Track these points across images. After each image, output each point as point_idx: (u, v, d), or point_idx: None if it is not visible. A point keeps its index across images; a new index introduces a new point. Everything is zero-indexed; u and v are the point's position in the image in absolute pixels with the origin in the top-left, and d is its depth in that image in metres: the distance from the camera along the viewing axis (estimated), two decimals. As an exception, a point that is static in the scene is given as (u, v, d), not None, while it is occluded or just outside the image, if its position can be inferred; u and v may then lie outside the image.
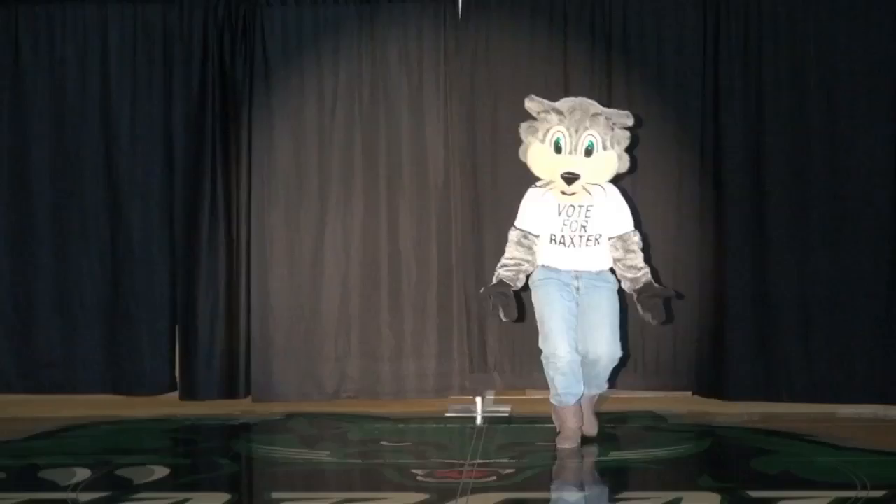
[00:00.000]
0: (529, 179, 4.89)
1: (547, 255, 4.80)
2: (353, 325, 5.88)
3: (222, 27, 5.86)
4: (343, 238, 5.88)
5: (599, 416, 5.28)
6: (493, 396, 5.79)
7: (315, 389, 5.87)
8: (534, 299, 4.83)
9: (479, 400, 5.64)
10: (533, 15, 5.80)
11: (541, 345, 4.77)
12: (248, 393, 5.90)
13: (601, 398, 5.11)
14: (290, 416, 5.54)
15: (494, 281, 4.76)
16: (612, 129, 4.72)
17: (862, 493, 4.02)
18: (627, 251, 4.75)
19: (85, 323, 5.91)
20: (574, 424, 4.81)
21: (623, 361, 5.01)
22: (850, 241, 5.62)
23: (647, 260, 4.85)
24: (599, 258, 4.80)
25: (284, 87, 5.87)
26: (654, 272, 4.83)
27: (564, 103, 4.77)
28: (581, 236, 4.75)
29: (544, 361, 4.76)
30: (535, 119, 4.78)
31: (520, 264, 4.77)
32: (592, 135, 4.67)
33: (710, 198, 5.73)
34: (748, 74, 5.68)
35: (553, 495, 4.36)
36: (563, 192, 4.71)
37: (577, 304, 4.78)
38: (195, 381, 5.86)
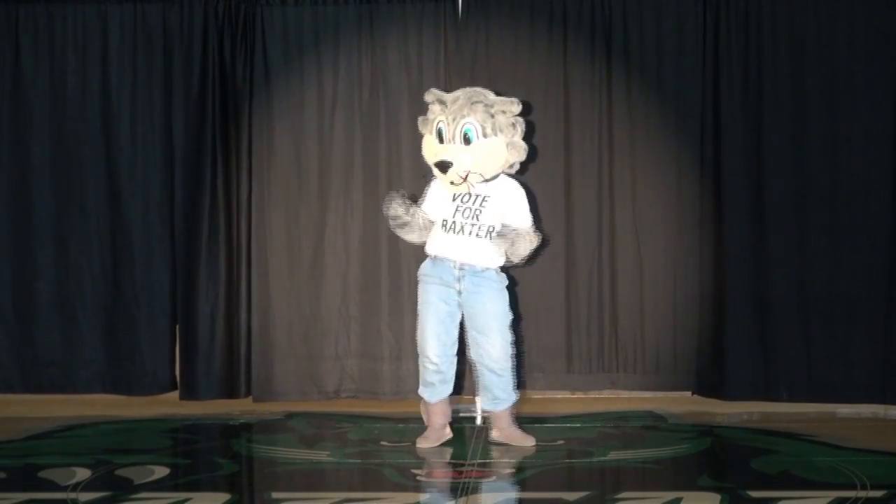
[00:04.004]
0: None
1: (436, 242, 4.83)
2: (353, 325, 5.88)
3: (222, 27, 5.86)
4: (343, 238, 5.89)
5: (600, 415, 5.31)
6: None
7: (315, 389, 5.88)
8: (418, 293, 4.92)
9: (479, 400, 5.63)
10: (533, 15, 5.80)
11: (417, 339, 4.89)
12: (248, 393, 5.90)
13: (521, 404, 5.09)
14: (290, 416, 5.54)
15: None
16: (493, 116, 4.64)
17: (862, 493, 4.02)
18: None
19: (85, 323, 5.91)
20: (440, 422, 4.91)
21: (519, 360, 5.00)
22: (849, 241, 5.62)
23: (534, 257, 4.92)
24: (486, 253, 4.77)
25: (284, 87, 5.87)
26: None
27: (452, 94, 4.75)
28: (473, 225, 4.73)
29: (420, 357, 4.88)
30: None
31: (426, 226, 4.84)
32: (470, 122, 4.62)
33: (710, 198, 5.73)
34: (748, 74, 5.68)
35: (553, 495, 4.35)
36: (451, 183, 4.70)
37: (461, 305, 4.82)
38: (195, 381, 5.86)
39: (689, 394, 5.81)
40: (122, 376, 5.92)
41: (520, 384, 5.08)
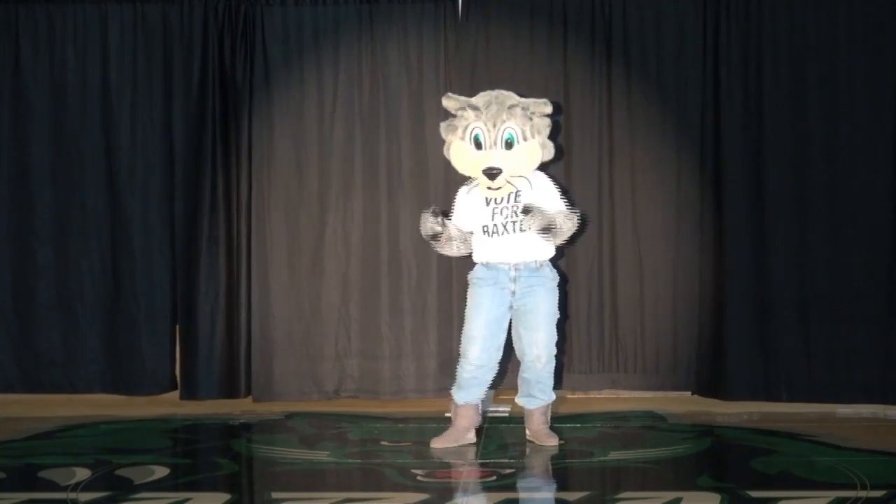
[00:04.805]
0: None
1: (483, 250, 4.81)
2: (353, 325, 5.88)
3: (222, 27, 5.86)
4: (343, 238, 5.89)
5: (600, 415, 5.31)
6: (493, 396, 5.79)
7: (315, 389, 5.88)
8: (468, 296, 4.87)
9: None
10: (533, 15, 5.80)
11: (461, 340, 4.85)
12: (248, 393, 5.90)
13: (557, 404, 5.10)
14: (290, 416, 5.54)
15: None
16: (531, 118, 4.69)
17: (862, 493, 4.02)
18: None
19: (85, 322, 5.91)
20: (464, 424, 4.87)
21: (559, 362, 5.02)
22: (849, 240, 5.62)
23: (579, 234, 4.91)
24: (537, 246, 4.77)
25: (284, 87, 5.87)
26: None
27: (481, 98, 4.74)
28: (514, 222, 4.72)
29: (461, 358, 4.84)
30: (454, 117, 4.77)
31: (464, 239, 4.83)
32: (511, 127, 4.65)
33: (710, 198, 5.74)
34: (748, 74, 5.68)
35: (553, 495, 4.35)
36: (488, 188, 4.70)
37: (513, 306, 4.80)
38: (195, 381, 5.87)
39: (689, 394, 5.81)
40: (122, 376, 5.92)
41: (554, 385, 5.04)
